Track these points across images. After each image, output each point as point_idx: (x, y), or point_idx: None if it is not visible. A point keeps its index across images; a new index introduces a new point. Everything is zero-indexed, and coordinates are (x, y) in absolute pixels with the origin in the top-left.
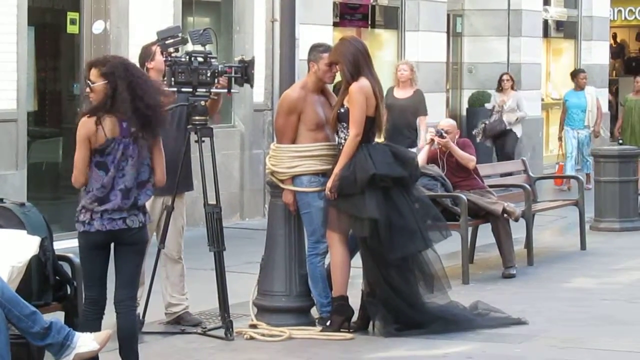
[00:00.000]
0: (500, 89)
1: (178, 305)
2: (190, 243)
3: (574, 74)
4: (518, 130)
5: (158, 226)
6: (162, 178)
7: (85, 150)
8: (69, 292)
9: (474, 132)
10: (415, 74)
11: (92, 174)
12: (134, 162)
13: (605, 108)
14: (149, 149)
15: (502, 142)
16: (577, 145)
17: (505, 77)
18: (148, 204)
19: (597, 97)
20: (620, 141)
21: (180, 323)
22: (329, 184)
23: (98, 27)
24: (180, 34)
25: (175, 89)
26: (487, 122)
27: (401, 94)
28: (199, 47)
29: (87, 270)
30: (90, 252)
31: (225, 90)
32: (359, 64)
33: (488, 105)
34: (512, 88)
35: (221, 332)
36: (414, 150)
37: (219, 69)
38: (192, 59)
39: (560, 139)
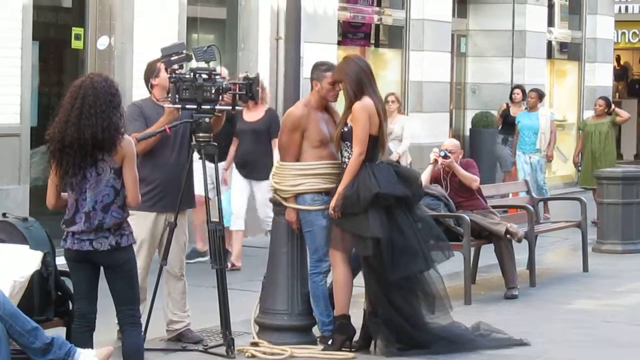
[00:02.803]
0: None
1: (179, 322)
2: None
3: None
4: (404, 160)
5: (160, 243)
6: (134, 198)
7: (52, 173)
8: (70, 307)
9: None
10: (266, 91)
11: (68, 195)
12: (91, 184)
13: None
14: (115, 171)
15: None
16: (530, 171)
17: (390, 97)
18: (150, 221)
19: (552, 118)
20: (580, 167)
21: (181, 340)
22: (333, 202)
23: (103, 42)
24: (184, 51)
25: (179, 106)
26: None
27: (251, 116)
28: (202, 64)
29: (73, 284)
30: (73, 266)
31: (230, 107)
32: (362, 83)
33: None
34: (399, 111)
35: (222, 350)
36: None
37: (224, 85)
38: (197, 75)
39: (514, 163)
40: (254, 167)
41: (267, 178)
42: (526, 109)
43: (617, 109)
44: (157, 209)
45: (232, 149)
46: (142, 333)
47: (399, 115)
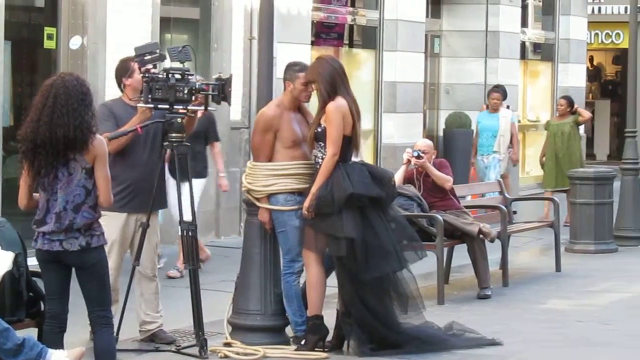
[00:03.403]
0: None
1: (152, 323)
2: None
3: (488, 94)
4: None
5: (132, 243)
6: (106, 198)
7: (25, 173)
8: (42, 308)
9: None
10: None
11: (39, 196)
12: (63, 184)
13: None
14: (87, 171)
15: None
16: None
17: None
18: (121, 222)
19: (513, 120)
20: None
21: (154, 341)
22: (306, 203)
23: (75, 42)
24: (158, 50)
25: (152, 106)
26: None
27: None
28: (176, 64)
29: (45, 284)
30: (44, 266)
31: (202, 108)
32: (335, 83)
33: None
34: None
35: (195, 350)
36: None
37: (196, 86)
38: (170, 75)
39: (472, 164)
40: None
41: (195, 177)
42: (488, 109)
43: (579, 109)
44: (129, 210)
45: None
46: (115, 334)
47: None
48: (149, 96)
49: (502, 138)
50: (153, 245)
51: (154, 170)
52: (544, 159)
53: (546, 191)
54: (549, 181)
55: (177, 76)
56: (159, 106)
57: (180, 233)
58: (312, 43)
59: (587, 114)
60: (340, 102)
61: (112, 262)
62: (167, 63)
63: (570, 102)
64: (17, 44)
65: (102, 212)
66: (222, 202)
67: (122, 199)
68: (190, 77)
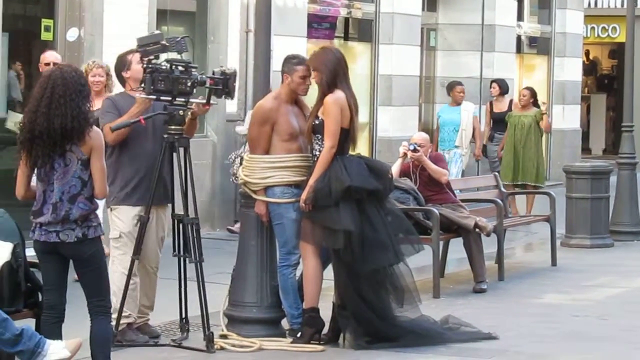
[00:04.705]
0: None
1: (141, 317)
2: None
3: (450, 87)
4: None
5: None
6: (102, 190)
7: (22, 164)
8: (40, 299)
9: (231, 171)
10: (112, 79)
11: (36, 186)
12: (59, 175)
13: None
14: (83, 162)
15: None
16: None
17: None
18: (133, 215)
19: (475, 114)
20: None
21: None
22: (304, 195)
23: (72, 34)
24: (162, 42)
25: (154, 97)
26: (236, 154)
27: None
28: (174, 55)
29: (42, 275)
30: (41, 257)
31: (204, 102)
32: (337, 75)
33: (240, 130)
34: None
35: (196, 344)
36: None
37: (199, 79)
38: (173, 67)
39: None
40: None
41: None
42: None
43: (544, 115)
44: (138, 203)
45: None
46: (111, 323)
47: None
48: (152, 87)
49: (464, 132)
50: (158, 240)
51: (155, 163)
52: (501, 152)
53: (505, 184)
54: (506, 174)
55: (181, 68)
56: (162, 98)
57: (182, 228)
58: (307, 36)
59: (546, 124)
60: (338, 94)
61: (127, 256)
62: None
63: (533, 93)
64: (14, 36)
65: (115, 206)
66: (217, 194)
67: (132, 192)
68: (193, 69)
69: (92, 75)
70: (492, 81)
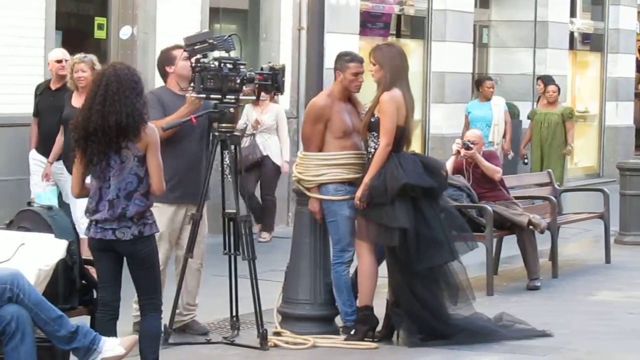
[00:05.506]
0: (257, 102)
1: (187, 315)
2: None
3: (479, 82)
4: (277, 158)
5: (180, 236)
6: (158, 186)
7: (77, 162)
8: (95, 296)
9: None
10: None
11: (91, 183)
12: (115, 172)
13: (623, 120)
14: (139, 159)
15: (256, 176)
16: None
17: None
18: (170, 213)
19: (506, 108)
20: (526, 161)
21: (185, 331)
22: (359, 193)
23: (125, 32)
24: (209, 40)
25: (203, 96)
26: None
27: (79, 101)
28: (222, 53)
29: (97, 272)
30: (96, 254)
31: (254, 98)
32: (399, 73)
33: (242, 125)
34: (272, 100)
35: (249, 342)
36: None
37: (248, 75)
38: (222, 65)
39: (525, 155)
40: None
41: None
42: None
43: (569, 133)
44: (178, 200)
45: (59, 139)
46: (165, 326)
47: (270, 104)
48: (201, 86)
49: (496, 127)
50: (201, 237)
51: (202, 161)
52: (524, 150)
53: None
54: (536, 171)
55: (229, 66)
56: (211, 96)
57: (233, 226)
58: (360, 33)
59: (572, 134)
60: (395, 93)
61: (161, 254)
62: (216, 53)
63: (559, 89)
64: (67, 34)
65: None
66: None
67: (171, 190)
68: (241, 66)
69: (75, 71)
70: (538, 78)
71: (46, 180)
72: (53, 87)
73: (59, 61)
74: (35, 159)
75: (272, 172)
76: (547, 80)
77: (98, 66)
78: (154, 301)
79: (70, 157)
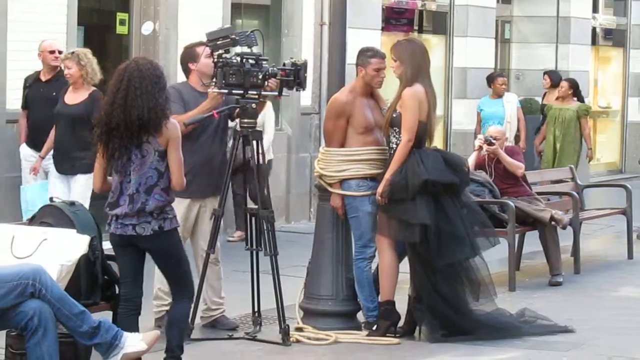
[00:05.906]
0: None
1: (216, 310)
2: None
3: (491, 79)
4: (269, 155)
5: (194, 230)
6: (179, 181)
7: (99, 156)
8: (117, 291)
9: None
10: (87, 69)
11: (112, 178)
12: (136, 167)
13: None
14: (160, 154)
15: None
16: None
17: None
18: (184, 207)
19: (518, 105)
20: (542, 156)
21: (215, 326)
22: (380, 188)
23: (147, 28)
24: (231, 35)
25: (226, 91)
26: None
27: (72, 98)
28: (244, 49)
29: (119, 268)
30: (117, 250)
31: (276, 94)
32: (421, 69)
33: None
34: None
35: (272, 337)
36: None
37: (270, 71)
38: (244, 60)
39: (541, 151)
40: (66, 159)
41: (83, 172)
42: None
43: (585, 133)
44: (192, 195)
45: (52, 135)
46: (191, 306)
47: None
48: (223, 81)
49: (508, 125)
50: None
51: (217, 156)
52: (540, 146)
53: None
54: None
55: (252, 61)
56: (234, 91)
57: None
58: (382, 29)
59: (588, 134)
60: (417, 88)
61: None
62: (238, 48)
63: (573, 85)
64: (89, 30)
65: None
66: (292, 187)
67: (186, 185)
68: (263, 62)
69: (64, 67)
70: (545, 73)
71: (34, 174)
72: (44, 78)
73: (52, 52)
74: (26, 153)
75: (262, 172)
76: (554, 75)
77: (86, 60)
78: (184, 289)
79: (92, 152)
